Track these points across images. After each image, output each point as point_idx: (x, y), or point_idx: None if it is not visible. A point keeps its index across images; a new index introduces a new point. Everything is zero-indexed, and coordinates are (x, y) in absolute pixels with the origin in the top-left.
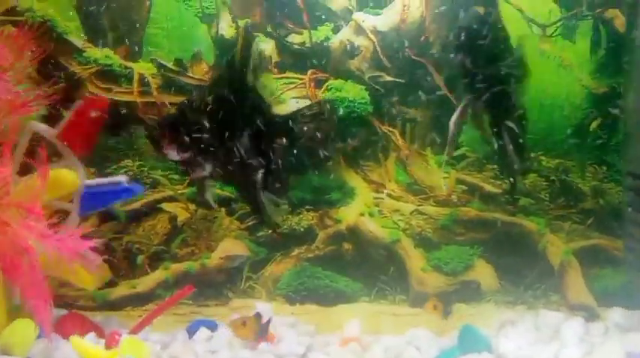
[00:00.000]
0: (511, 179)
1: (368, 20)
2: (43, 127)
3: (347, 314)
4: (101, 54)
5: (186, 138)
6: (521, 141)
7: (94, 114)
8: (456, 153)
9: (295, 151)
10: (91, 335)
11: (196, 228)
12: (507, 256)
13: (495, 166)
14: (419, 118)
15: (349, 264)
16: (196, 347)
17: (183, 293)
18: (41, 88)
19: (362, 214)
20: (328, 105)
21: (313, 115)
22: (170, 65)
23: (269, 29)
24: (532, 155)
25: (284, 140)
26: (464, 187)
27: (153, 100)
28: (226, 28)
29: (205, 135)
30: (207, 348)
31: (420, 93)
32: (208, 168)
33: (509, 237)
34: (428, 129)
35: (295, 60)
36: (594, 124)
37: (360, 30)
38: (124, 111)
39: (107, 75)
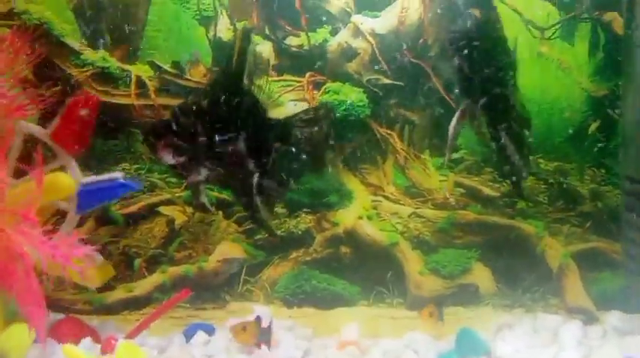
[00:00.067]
0: (513, 178)
1: (366, 23)
2: (35, 128)
3: (345, 318)
4: (98, 56)
5: (182, 142)
6: (522, 140)
7: (84, 112)
8: (453, 156)
9: (293, 154)
10: (87, 340)
11: (194, 231)
12: (505, 259)
13: (493, 169)
14: (417, 121)
15: (347, 267)
16: (193, 351)
17: (181, 297)
18: (37, 91)
19: (360, 217)
20: (325, 109)
21: (311, 119)
22: (167, 67)
23: (267, 31)
24: (531, 158)
25: (281, 143)
26: (462, 190)
27: (150, 103)
28: (224, 30)
29: (201, 139)
30: (204, 352)
31: (418, 96)
32: (204, 173)
33: (507, 240)
34: (426, 132)
35: (293, 62)
36: (593, 127)
37: (358, 32)
38: (121, 113)
39: (104, 77)
